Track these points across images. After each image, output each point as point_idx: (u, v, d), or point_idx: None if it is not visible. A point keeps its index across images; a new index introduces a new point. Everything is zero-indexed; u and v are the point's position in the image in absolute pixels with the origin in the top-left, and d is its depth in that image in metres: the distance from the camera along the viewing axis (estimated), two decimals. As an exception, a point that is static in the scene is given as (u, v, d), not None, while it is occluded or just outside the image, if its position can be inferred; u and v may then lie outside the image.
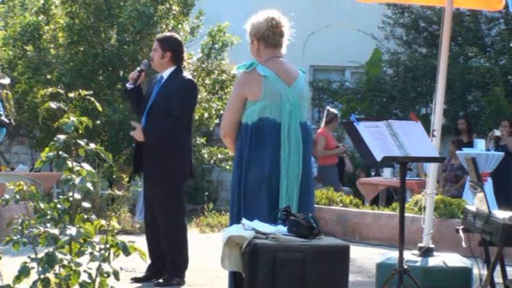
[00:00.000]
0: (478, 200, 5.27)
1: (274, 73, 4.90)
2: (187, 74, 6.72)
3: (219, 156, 12.35)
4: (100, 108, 4.24)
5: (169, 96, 6.41)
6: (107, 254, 3.89)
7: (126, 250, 3.91)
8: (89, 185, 3.99)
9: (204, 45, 12.22)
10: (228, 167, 12.47)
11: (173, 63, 6.54)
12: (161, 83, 6.53)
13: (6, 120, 8.71)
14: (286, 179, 4.84)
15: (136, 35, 11.46)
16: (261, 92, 4.85)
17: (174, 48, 6.53)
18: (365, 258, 8.12)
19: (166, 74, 6.54)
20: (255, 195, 4.82)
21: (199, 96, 11.79)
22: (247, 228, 4.38)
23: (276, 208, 4.69)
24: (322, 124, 12.50)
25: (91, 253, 3.88)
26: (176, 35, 6.82)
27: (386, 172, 11.55)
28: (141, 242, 5.06)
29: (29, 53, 11.56)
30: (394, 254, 5.79)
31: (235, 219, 4.78)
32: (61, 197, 4.02)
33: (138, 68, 6.66)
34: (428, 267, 6.00)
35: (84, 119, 4.04)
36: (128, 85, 6.68)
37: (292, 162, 4.85)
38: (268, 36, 4.98)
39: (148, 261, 6.35)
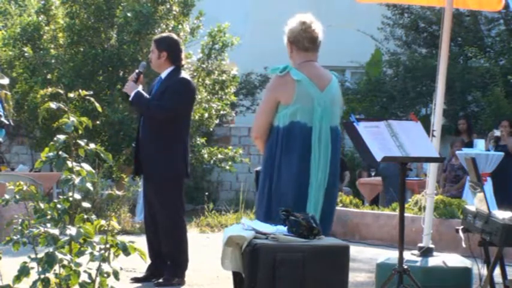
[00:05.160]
0: (478, 200, 5.27)
1: (307, 77, 4.96)
2: (185, 74, 6.67)
3: (219, 156, 12.35)
4: (100, 109, 4.24)
5: (164, 93, 6.39)
6: (106, 254, 3.89)
7: (126, 250, 3.91)
8: (88, 185, 3.99)
9: (204, 46, 12.23)
10: (228, 167, 12.48)
11: (170, 63, 6.49)
12: (159, 83, 6.52)
13: (6, 122, 8.70)
14: (316, 182, 4.90)
15: (136, 35, 11.47)
16: (293, 96, 4.90)
17: (170, 48, 6.47)
18: (365, 258, 8.12)
19: (164, 74, 6.51)
20: (284, 198, 4.87)
21: (199, 96, 11.82)
22: (247, 228, 4.39)
23: (303, 211, 4.73)
24: None
25: (91, 253, 3.88)
26: (173, 35, 6.77)
27: None
28: (141, 242, 5.06)
29: (26, 54, 11.57)
30: (394, 254, 5.78)
31: (262, 220, 4.83)
32: (61, 197, 4.02)
33: (136, 71, 6.63)
34: (428, 267, 5.99)
35: (84, 119, 4.03)
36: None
37: (321, 165, 4.91)
38: (298, 40, 5.04)
39: (149, 261, 6.35)
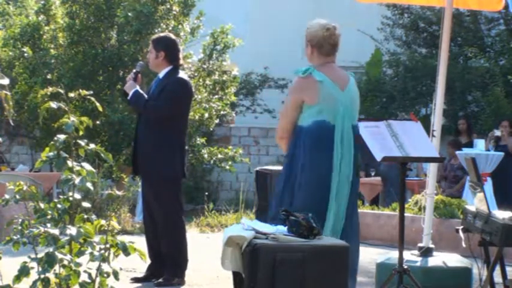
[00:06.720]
0: (478, 200, 5.28)
1: (329, 78, 5.07)
2: (182, 74, 6.65)
3: (219, 156, 12.35)
4: (100, 109, 4.24)
5: (161, 93, 6.39)
6: (106, 254, 3.89)
7: (126, 250, 3.91)
8: (89, 185, 3.99)
9: (206, 46, 12.24)
10: (228, 167, 12.48)
11: (168, 62, 6.49)
12: (157, 82, 6.52)
13: None
14: (338, 178, 4.97)
15: (136, 35, 11.47)
16: (317, 96, 5.01)
17: (167, 48, 6.46)
18: (365, 258, 8.10)
19: (162, 74, 6.51)
20: (311, 195, 4.94)
21: (199, 96, 11.82)
22: (247, 228, 4.39)
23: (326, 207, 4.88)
24: None
25: (91, 253, 3.88)
26: (170, 35, 6.75)
27: None
28: (141, 242, 5.07)
29: (26, 54, 11.57)
30: (394, 254, 5.79)
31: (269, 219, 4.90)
32: (61, 197, 4.02)
33: (134, 71, 6.64)
34: (428, 267, 6.00)
35: (84, 119, 4.03)
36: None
37: (344, 163, 4.99)
38: (321, 45, 5.17)
39: (148, 261, 6.35)
